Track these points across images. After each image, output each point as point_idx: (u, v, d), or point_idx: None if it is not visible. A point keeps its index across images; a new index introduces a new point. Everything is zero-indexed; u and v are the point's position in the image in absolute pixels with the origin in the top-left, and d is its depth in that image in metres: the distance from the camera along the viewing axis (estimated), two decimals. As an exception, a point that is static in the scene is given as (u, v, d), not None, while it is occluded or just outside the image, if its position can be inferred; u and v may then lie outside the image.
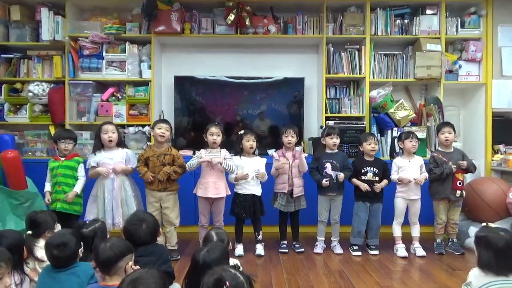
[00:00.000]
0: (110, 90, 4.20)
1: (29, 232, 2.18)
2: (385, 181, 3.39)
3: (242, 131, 3.47)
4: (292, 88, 4.34)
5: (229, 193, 3.33)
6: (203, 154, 3.26)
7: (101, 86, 4.28)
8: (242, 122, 4.30)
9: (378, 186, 3.35)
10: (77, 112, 4.20)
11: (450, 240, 3.50)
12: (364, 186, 3.34)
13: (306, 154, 3.51)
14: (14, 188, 3.27)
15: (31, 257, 2.09)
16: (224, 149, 3.33)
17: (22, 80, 4.21)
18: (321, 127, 4.08)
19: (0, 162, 3.26)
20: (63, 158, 3.21)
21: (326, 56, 4.19)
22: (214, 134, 3.27)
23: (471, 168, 3.40)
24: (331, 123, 4.06)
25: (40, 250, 2.05)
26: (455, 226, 3.46)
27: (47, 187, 3.20)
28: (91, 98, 4.13)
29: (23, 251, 1.98)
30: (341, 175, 3.33)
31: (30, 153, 4.11)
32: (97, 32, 4.08)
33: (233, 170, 3.27)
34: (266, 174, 3.35)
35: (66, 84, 4.11)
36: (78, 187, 3.18)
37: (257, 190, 3.36)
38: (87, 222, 2.34)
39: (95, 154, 3.18)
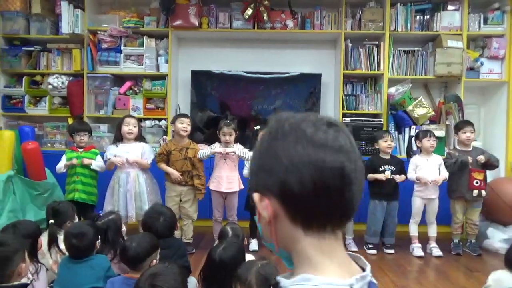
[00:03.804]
0: (128, 83, 4.24)
1: (52, 221, 2.22)
2: (403, 176, 3.35)
3: (258, 126, 3.47)
4: (309, 84, 4.31)
5: (242, 187, 3.33)
6: (217, 148, 3.28)
7: (119, 79, 4.31)
8: (257, 117, 4.29)
9: (398, 178, 3.31)
10: (95, 105, 4.25)
11: (469, 240, 3.44)
12: (382, 176, 3.28)
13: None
14: (34, 179, 3.34)
15: (55, 248, 2.13)
16: (238, 143, 3.33)
17: (42, 72, 4.27)
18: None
19: (20, 153, 3.33)
20: (81, 150, 3.28)
21: (344, 52, 4.14)
22: (227, 134, 3.25)
23: (491, 160, 3.32)
24: (347, 120, 4.03)
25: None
26: (475, 227, 3.40)
27: (62, 163, 3.23)
28: (109, 91, 4.17)
29: (37, 242, 2.01)
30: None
31: (49, 145, 4.19)
32: (115, 25, 4.10)
33: (248, 157, 3.27)
34: None
35: (85, 77, 4.16)
36: (94, 163, 3.22)
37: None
38: (101, 214, 2.36)
39: (116, 146, 3.23)
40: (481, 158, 3.29)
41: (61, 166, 3.22)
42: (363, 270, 0.62)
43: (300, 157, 0.57)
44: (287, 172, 0.57)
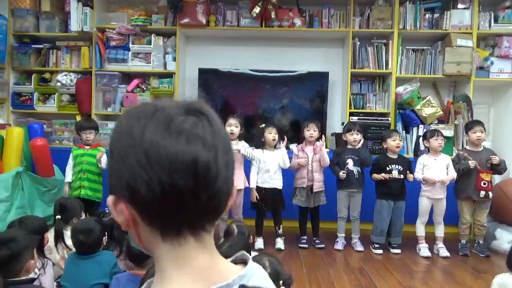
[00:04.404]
0: (135, 81, 4.26)
1: (58, 216, 2.24)
2: (411, 176, 3.32)
3: (263, 124, 3.47)
4: (316, 83, 4.29)
5: (248, 185, 3.33)
6: None
7: (127, 77, 4.33)
8: (264, 116, 4.28)
9: (410, 176, 3.29)
10: (103, 102, 4.28)
11: (476, 241, 3.40)
12: (382, 175, 3.27)
13: (327, 150, 3.48)
14: (42, 175, 3.37)
15: (62, 244, 2.15)
16: (243, 141, 3.33)
17: (51, 70, 4.31)
18: (343, 123, 4.03)
19: (29, 149, 3.36)
20: (87, 147, 3.31)
21: (352, 50, 4.11)
22: (232, 125, 3.27)
23: (502, 166, 3.28)
24: (355, 119, 4.00)
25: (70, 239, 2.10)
26: (482, 228, 3.36)
27: (68, 177, 3.29)
28: (116, 89, 4.19)
29: (43, 237, 2.03)
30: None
31: (57, 142, 4.22)
32: (123, 23, 4.12)
33: (252, 157, 3.27)
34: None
35: (93, 75, 4.19)
36: (104, 163, 3.24)
37: (279, 184, 3.35)
38: (107, 211, 2.38)
39: None
40: (495, 158, 3.24)
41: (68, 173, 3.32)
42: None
43: (147, 150, 0.50)
44: (133, 174, 0.50)
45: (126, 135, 0.52)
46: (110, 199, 0.54)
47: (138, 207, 0.52)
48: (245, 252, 0.61)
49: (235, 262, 0.60)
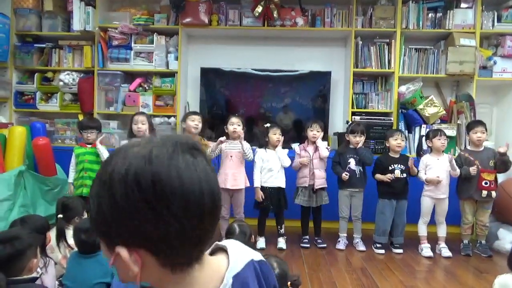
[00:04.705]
0: (138, 80, 4.26)
1: (60, 216, 2.25)
2: (412, 160, 3.32)
3: (268, 124, 3.47)
4: (318, 82, 4.29)
5: (248, 184, 3.32)
6: (222, 138, 3.29)
7: (129, 76, 4.34)
8: (266, 115, 4.28)
9: (411, 164, 3.28)
10: (105, 101, 4.28)
11: (478, 242, 3.39)
12: (387, 177, 3.27)
13: (329, 147, 3.48)
14: (45, 174, 3.38)
15: (63, 243, 2.15)
16: (245, 141, 3.33)
17: (54, 69, 4.32)
18: (347, 122, 4.02)
19: (31, 148, 3.37)
20: (89, 146, 3.31)
21: (354, 49, 4.10)
22: (235, 123, 3.28)
23: (506, 158, 3.23)
24: (357, 118, 3.99)
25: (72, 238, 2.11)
26: (484, 228, 3.35)
27: (71, 177, 3.30)
28: (119, 88, 4.20)
29: (46, 236, 2.03)
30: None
31: (59, 141, 4.23)
32: (126, 23, 4.13)
33: (251, 157, 3.27)
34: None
35: (95, 74, 4.19)
36: (102, 149, 3.24)
37: (282, 183, 3.35)
38: None
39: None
40: (505, 148, 3.19)
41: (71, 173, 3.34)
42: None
43: (173, 196, 0.51)
44: (164, 225, 0.51)
45: (147, 180, 0.51)
46: (123, 252, 0.53)
47: (163, 252, 0.54)
48: (217, 242, 0.65)
49: (214, 251, 0.65)
